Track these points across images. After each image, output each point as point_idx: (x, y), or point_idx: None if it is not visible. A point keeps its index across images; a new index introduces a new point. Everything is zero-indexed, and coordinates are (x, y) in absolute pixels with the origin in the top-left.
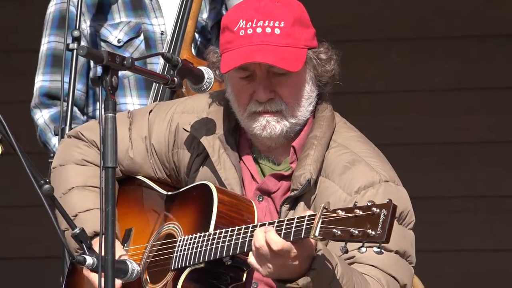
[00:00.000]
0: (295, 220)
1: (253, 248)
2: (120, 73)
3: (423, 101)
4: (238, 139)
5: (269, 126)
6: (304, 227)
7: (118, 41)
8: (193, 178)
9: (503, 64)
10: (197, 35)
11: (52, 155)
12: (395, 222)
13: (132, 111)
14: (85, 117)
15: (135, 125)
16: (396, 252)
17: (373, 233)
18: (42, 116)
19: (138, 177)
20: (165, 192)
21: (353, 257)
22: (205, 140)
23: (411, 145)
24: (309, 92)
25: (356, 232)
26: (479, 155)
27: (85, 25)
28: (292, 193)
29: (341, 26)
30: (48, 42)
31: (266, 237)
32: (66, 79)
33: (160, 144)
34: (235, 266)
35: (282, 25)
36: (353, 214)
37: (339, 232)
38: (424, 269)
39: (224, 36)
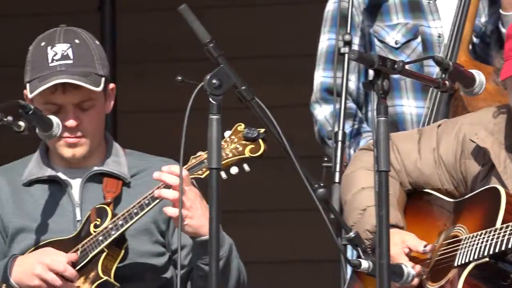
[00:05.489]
0: None
1: None
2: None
3: None
4: None
5: None
6: None
7: (396, 42)
8: (480, 187)
9: None
10: (475, 39)
11: (326, 158)
12: None
13: (421, 129)
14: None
15: (424, 138)
16: None
17: None
18: (322, 112)
19: (425, 190)
20: (451, 200)
21: None
22: (491, 151)
23: None
24: None
25: None
26: None
27: (363, 25)
28: None
29: None
30: (328, 39)
31: None
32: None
33: (447, 155)
34: None
35: None
36: None
37: None
38: None
39: (509, 43)
